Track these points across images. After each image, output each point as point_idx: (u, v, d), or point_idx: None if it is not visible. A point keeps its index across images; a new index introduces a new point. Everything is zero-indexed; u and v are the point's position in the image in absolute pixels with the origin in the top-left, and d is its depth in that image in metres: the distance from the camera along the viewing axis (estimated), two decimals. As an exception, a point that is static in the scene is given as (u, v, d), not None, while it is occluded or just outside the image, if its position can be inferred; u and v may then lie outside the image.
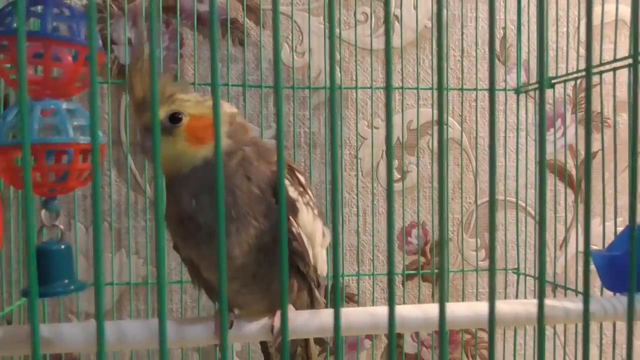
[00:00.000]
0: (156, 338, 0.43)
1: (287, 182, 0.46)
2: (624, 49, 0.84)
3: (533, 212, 0.89)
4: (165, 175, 0.44)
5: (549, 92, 0.80)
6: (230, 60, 0.81)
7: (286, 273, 0.25)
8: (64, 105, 0.45)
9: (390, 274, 0.26)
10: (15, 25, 0.44)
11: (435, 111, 0.86)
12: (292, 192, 0.47)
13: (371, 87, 0.83)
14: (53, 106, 0.45)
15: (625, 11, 0.81)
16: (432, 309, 0.47)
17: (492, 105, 0.26)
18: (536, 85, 0.80)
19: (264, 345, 0.58)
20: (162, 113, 0.42)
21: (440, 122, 0.25)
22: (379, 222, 0.86)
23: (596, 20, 0.71)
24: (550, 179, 0.86)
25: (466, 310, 0.47)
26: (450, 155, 0.88)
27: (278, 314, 0.45)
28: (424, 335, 0.88)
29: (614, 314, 0.48)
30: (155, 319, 0.48)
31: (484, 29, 0.87)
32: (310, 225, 0.48)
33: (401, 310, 0.46)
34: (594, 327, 0.80)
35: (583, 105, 0.84)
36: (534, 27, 0.84)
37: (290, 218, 0.46)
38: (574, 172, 0.91)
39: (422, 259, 0.88)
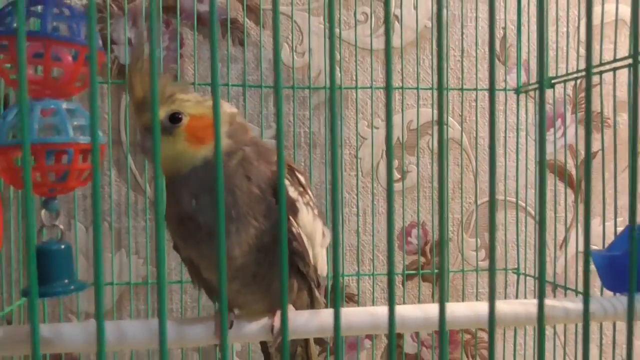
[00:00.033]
0: (156, 338, 0.43)
1: (287, 182, 0.46)
2: (624, 49, 0.84)
3: (533, 212, 0.89)
4: (165, 175, 0.44)
5: (549, 92, 0.80)
6: (230, 60, 0.81)
7: (286, 273, 0.25)
8: (64, 105, 0.45)
9: (390, 273, 0.26)
10: (15, 25, 0.44)
11: (435, 111, 0.86)
12: (292, 192, 0.47)
13: (371, 87, 0.83)
14: (53, 106, 0.45)
15: (626, 11, 0.81)
16: (432, 308, 0.47)
17: (492, 105, 0.26)
18: (536, 85, 0.80)
19: (263, 345, 0.58)
20: (162, 113, 0.42)
21: (440, 122, 0.25)
22: (379, 222, 0.86)
23: (596, 20, 0.71)
24: (550, 179, 0.86)
25: (466, 310, 0.47)
26: (451, 155, 0.88)
27: (278, 313, 0.45)
28: (424, 335, 0.88)
29: (614, 314, 0.48)
30: (155, 319, 0.48)
31: (484, 29, 0.87)
32: (310, 225, 0.48)
33: (401, 310, 0.46)
34: (594, 327, 0.80)
35: (583, 105, 0.84)
36: (534, 27, 0.84)
37: (290, 218, 0.46)
38: (574, 172, 0.91)
39: (422, 259, 0.88)
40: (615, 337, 0.68)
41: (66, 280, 0.47)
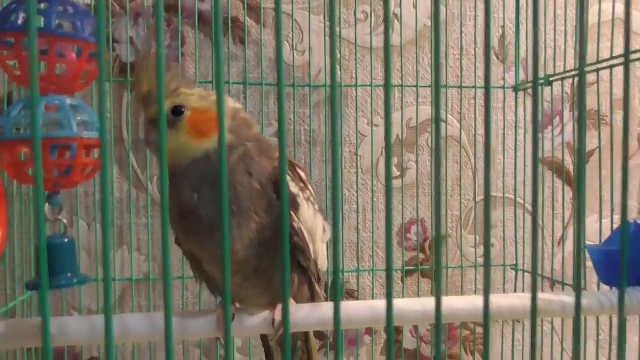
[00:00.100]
0: (158, 331, 0.44)
1: (288, 178, 0.47)
2: (621, 47, 0.84)
3: (531, 209, 0.89)
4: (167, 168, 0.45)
5: (547, 90, 0.81)
6: (232, 59, 0.82)
7: (288, 267, 0.26)
8: (68, 101, 0.46)
9: (389, 269, 0.26)
10: (20, 22, 0.44)
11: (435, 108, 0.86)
12: (294, 188, 0.47)
13: (371, 85, 0.84)
14: (57, 102, 0.46)
15: (623, 10, 0.81)
16: (431, 302, 0.48)
17: (487, 102, 0.27)
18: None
19: (264, 339, 0.58)
20: (166, 106, 0.43)
21: (437, 119, 0.26)
22: (379, 219, 0.87)
23: (594, 19, 0.71)
24: (548, 176, 0.87)
25: (464, 303, 0.48)
26: (450, 153, 0.88)
27: (279, 307, 0.46)
28: (423, 331, 0.89)
29: (610, 308, 0.48)
30: (158, 313, 0.49)
31: (483, 28, 0.87)
32: (311, 220, 0.48)
33: (400, 303, 0.47)
34: (591, 323, 0.81)
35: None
36: (532, 25, 0.85)
37: (292, 213, 0.46)
38: (572, 169, 0.91)
39: (422, 256, 0.89)
40: (613, 333, 0.69)
41: (69, 274, 0.48)
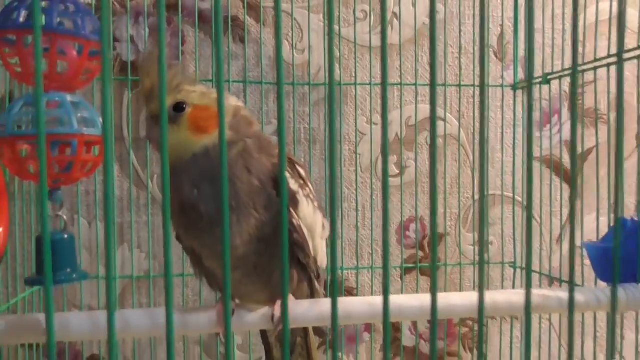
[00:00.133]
0: (159, 326, 0.44)
1: (287, 175, 0.47)
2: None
3: (530, 208, 0.90)
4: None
5: (545, 88, 0.81)
6: (232, 57, 0.82)
7: (286, 263, 0.26)
8: (69, 98, 0.46)
9: (385, 259, 0.26)
10: (21, 20, 0.45)
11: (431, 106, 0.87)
12: (293, 185, 0.48)
13: (370, 84, 0.84)
14: (58, 98, 0.46)
15: (621, 9, 0.82)
16: (428, 298, 0.48)
17: (482, 99, 0.27)
18: (534, 82, 0.81)
19: (264, 335, 0.58)
20: (168, 102, 0.44)
21: (433, 118, 0.26)
22: (378, 217, 0.87)
23: (592, 18, 0.72)
24: (546, 174, 0.87)
25: (462, 299, 0.48)
26: (448, 151, 0.89)
27: (278, 303, 0.46)
28: (422, 329, 0.89)
29: (607, 303, 0.49)
30: (159, 308, 0.49)
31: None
32: (310, 217, 0.49)
33: (398, 299, 0.47)
34: (589, 319, 0.81)
35: (579, 102, 0.85)
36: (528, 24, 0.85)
37: (291, 210, 0.47)
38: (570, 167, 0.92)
39: (421, 253, 0.89)
40: (610, 329, 0.69)
41: (69, 270, 0.48)
